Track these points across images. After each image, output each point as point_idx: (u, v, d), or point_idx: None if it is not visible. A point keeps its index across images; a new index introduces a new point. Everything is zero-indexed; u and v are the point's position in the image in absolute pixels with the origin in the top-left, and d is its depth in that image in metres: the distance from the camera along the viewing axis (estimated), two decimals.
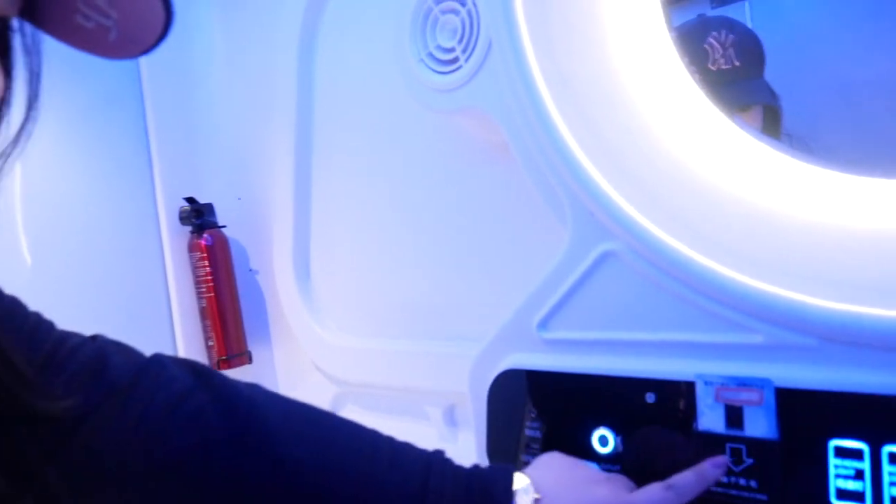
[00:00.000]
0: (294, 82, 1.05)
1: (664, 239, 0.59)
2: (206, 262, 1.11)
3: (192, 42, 1.19)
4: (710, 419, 0.57)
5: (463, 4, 0.74)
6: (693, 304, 0.59)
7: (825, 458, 0.52)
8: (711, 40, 0.67)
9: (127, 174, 1.11)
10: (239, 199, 1.19)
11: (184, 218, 1.12)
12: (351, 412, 1.10)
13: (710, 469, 0.56)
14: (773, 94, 0.66)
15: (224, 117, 1.19)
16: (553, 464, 0.60)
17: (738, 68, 0.66)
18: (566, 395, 0.66)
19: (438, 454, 0.57)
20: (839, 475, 0.51)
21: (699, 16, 0.70)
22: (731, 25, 0.67)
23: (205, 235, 1.11)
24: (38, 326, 0.50)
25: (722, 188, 0.61)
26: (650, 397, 0.61)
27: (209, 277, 1.11)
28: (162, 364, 0.52)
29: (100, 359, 0.50)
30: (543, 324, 0.68)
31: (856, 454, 0.50)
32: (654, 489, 0.55)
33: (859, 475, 0.50)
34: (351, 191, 1.03)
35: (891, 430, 0.49)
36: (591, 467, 0.62)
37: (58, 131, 1.05)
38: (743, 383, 0.55)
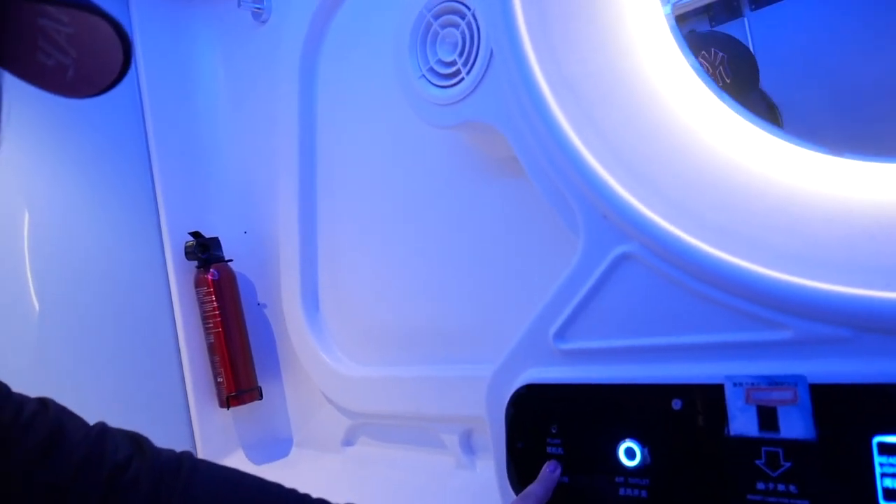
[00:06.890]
0: (296, 112, 1.04)
1: (681, 236, 0.57)
2: (213, 297, 1.09)
3: (196, 77, 1.19)
4: (742, 422, 0.54)
5: (462, 17, 0.73)
6: (716, 303, 0.56)
7: (869, 456, 0.48)
8: (701, 60, 0.66)
9: (132, 210, 1.10)
10: (245, 232, 1.17)
11: (189, 253, 1.10)
12: (364, 444, 1.06)
13: (547, 472, 0.64)
14: (769, 107, 0.65)
15: (228, 150, 1.19)
16: None
17: (728, 85, 0.65)
18: (588, 407, 0.63)
19: None
20: (885, 473, 0.47)
21: (690, 32, 0.69)
22: (724, 43, 0.66)
23: (211, 270, 1.09)
24: None
25: (736, 179, 0.59)
26: (676, 404, 0.58)
27: (216, 312, 1.09)
28: (105, 433, 0.55)
29: (58, 430, 0.52)
30: (560, 334, 0.66)
31: None
32: None
33: None
34: (357, 218, 1.02)
35: None
36: None
37: (64, 171, 1.04)
38: (775, 382, 0.52)
